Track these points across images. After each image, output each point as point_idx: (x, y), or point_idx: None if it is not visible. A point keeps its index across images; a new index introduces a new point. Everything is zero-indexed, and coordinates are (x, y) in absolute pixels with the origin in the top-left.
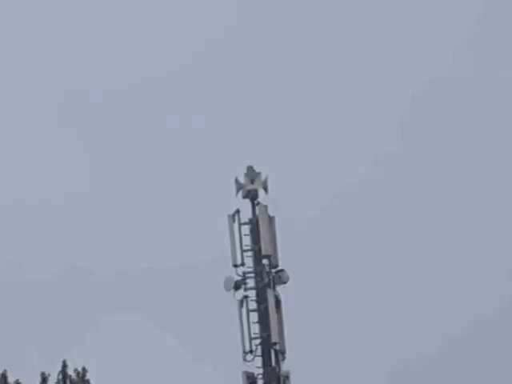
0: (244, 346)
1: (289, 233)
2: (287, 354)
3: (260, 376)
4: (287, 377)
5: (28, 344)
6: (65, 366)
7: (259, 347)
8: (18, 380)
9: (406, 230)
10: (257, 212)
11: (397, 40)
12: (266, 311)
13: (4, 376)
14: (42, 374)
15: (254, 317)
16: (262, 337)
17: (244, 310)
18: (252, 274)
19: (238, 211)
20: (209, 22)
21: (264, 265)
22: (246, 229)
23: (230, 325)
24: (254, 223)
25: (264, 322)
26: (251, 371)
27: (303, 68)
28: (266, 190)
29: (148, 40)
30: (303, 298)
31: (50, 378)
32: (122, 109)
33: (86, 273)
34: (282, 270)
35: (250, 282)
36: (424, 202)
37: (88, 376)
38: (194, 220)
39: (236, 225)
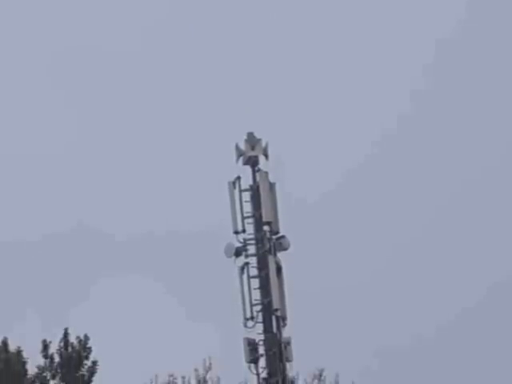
0: (245, 313)
1: (289, 200)
2: (288, 321)
3: (261, 342)
4: (288, 343)
5: (30, 305)
6: (66, 333)
7: (260, 314)
8: (19, 347)
9: (410, 204)
10: (257, 178)
11: (395, 35)
12: (267, 278)
13: (5, 343)
14: (44, 341)
15: (255, 283)
16: (262, 303)
17: (245, 276)
18: (253, 241)
19: (238, 178)
20: None
21: (265, 231)
22: (246, 195)
23: (231, 291)
24: (254, 190)
25: (265, 288)
26: (252, 337)
27: (308, 38)
28: (266, 156)
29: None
30: (304, 265)
31: (51, 345)
32: (127, 73)
33: (91, 233)
34: (282, 237)
35: (251, 249)
36: (429, 179)
37: (90, 343)
38: (194, 186)
39: (237, 191)
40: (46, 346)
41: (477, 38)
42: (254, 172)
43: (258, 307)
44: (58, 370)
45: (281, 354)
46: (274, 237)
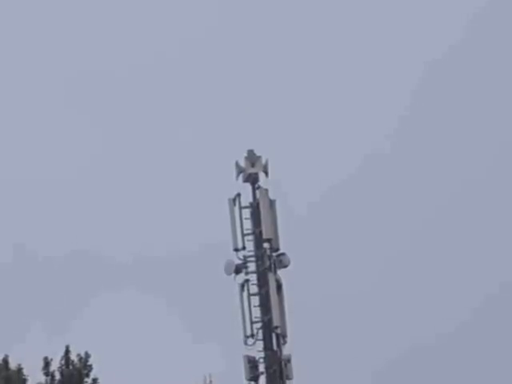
0: (245, 330)
1: (290, 217)
2: (288, 338)
3: (261, 360)
4: (288, 360)
5: (32, 322)
6: (67, 350)
7: (260, 331)
8: (20, 365)
9: (405, 217)
10: (257, 196)
11: (395, 35)
12: (267, 295)
13: (5, 361)
14: (45, 358)
15: (255, 301)
16: (263, 321)
17: (245, 293)
18: (253, 258)
19: (238, 195)
20: (211, 9)
21: (265, 248)
22: (246, 212)
23: (231, 308)
24: (254, 207)
25: (265, 305)
26: (252, 355)
27: (305, 54)
28: (266, 173)
29: (154, 24)
30: (304, 282)
31: (52, 362)
32: (124, 93)
33: (93, 255)
34: (282, 254)
35: (251, 266)
36: (426, 186)
37: (90, 361)
38: (194, 204)
39: (237, 208)
40: (47, 364)
41: (470, 58)
42: (254, 189)
43: (259, 324)
44: None
45: (281, 371)
46: (274, 254)
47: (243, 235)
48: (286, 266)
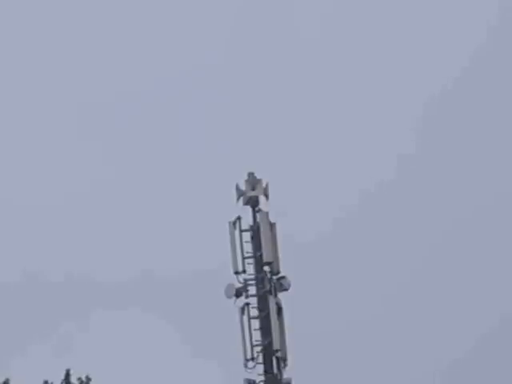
0: (245, 353)
1: (290, 240)
2: (289, 362)
3: (262, 383)
4: None
5: (33, 343)
6: (68, 374)
7: (261, 354)
8: None
9: (409, 245)
10: (258, 219)
11: (411, 44)
12: (268, 318)
13: None
14: (45, 382)
15: (256, 324)
16: (263, 344)
17: (245, 317)
18: (253, 281)
19: (238, 218)
20: (212, 28)
21: (265, 272)
22: (246, 236)
23: (231, 332)
24: (254, 230)
25: (265, 329)
26: (253, 378)
27: (307, 77)
28: (266, 196)
29: (155, 49)
30: (305, 305)
31: None
32: (126, 117)
33: (87, 279)
34: (283, 277)
35: (252, 289)
36: (436, 204)
37: None
38: (194, 227)
39: (237, 232)
40: None
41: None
42: (254, 212)
43: (259, 348)
44: None
45: None
46: (274, 277)
47: (243, 258)
48: (286, 290)
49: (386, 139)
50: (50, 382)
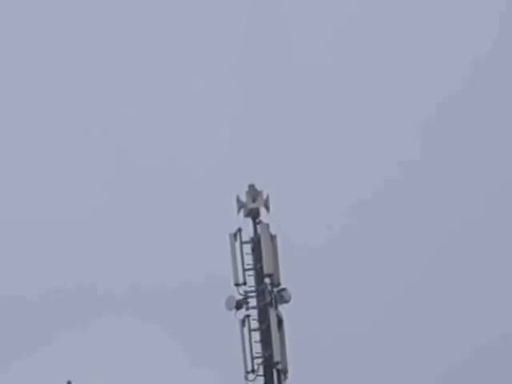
0: (246, 366)
1: (291, 251)
2: (289, 374)
3: None
4: None
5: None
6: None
7: (261, 367)
8: None
9: (410, 255)
10: (258, 231)
11: (415, 50)
12: (268, 330)
13: None
14: None
15: (256, 336)
16: (263, 356)
17: (246, 329)
18: (254, 293)
19: (239, 230)
20: (213, 45)
21: (266, 284)
22: (247, 247)
23: (231, 344)
24: (255, 242)
25: (266, 341)
26: None
27: (309, 90)
28: (267, 208)
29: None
30: (305, 317)
31: None
32: (121, 124)
33: (91, 289)
34: (283, 289)
35: (252, 302)
36: (437, 213)
37: None
38: (195, 238)
39: (237, 244)
40: None
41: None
42: (254, 224)
43: (259, 360)
44: None
45: None
46: (275, 289)
47: (244, 270)
48: (287, 302)
49: (388, 146)
50: None
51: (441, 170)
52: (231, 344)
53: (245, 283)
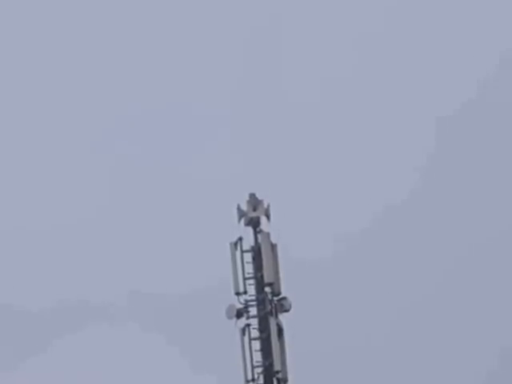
0: (246, 375)
1: (292, 261)
2: (289, 383)
3: None
4: None
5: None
6: None
7: (261, 376)
8: None
9: (412, 271)
10: (259, 239)
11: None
12: (269, 339)
13: None
14: None
15: (256, 345)
16: (264, 365)
17: (246, 338)
18: (254, 302)
19: (240, 239)
20: (219, 59)
21: (266, 293)
22: (248, 256)
23: (232, 353)
24: (256, 251)
25: (266, 350)
26: None
27: (312, 98)
28: (268, 217)
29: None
30: (306, 326)
31: None
32: (122, 137)
33: (90, 297)
34: (284, 298)
35: (252, 310)
36: (438, 245)
37: None
38: (196, 247)
39: (238, 252)
40: None
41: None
42: (255, 233)
43: (260, 369)
44: None
45: None
46: (275, 298)
47: (244, 279)
48: (287, 311)
49: (393, 155)
50: None
51: (454, 182)
52: (231, 353)
53: (245, 292)
